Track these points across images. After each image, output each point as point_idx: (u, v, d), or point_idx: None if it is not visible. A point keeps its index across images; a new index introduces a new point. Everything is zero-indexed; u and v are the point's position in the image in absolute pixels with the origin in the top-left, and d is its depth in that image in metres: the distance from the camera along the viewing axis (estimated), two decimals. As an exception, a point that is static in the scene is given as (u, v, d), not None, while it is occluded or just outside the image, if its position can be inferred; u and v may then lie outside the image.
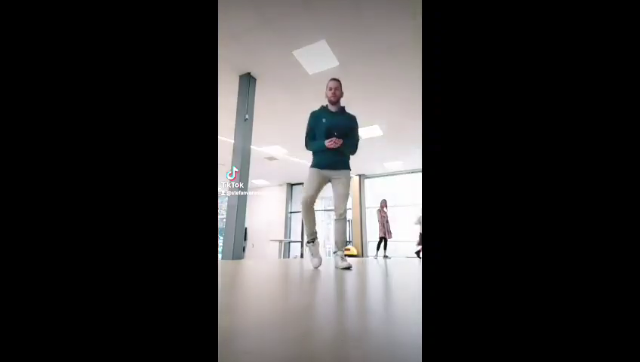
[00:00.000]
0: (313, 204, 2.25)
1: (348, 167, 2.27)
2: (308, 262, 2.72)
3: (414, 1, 2.73)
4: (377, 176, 8.80)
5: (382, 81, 4.06)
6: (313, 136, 2.28)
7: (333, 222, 2.27)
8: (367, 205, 8.71)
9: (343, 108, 2.34)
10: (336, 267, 2.11)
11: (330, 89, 2.26)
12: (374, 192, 8.63)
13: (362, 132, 5.54)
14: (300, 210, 2.26)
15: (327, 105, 2.31)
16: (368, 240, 8.45)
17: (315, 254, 2.25)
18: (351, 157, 2.31)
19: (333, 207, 2.28)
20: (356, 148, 2.32)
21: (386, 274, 1.90)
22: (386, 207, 6.19)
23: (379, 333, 0.54)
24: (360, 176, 8.71)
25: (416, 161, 7.46)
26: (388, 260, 4.58)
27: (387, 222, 6.09)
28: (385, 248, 6.02)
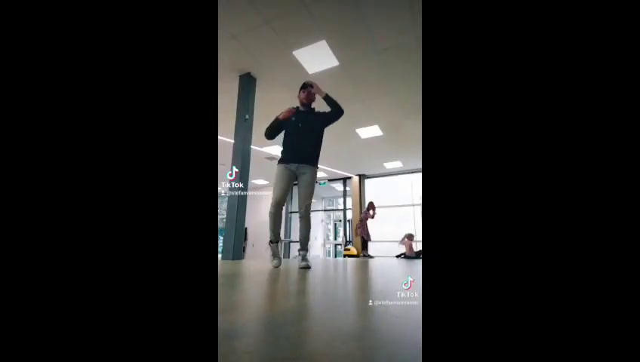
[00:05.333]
0: (282, 206, 2.16)
1: (313, 164, 2.21)
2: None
3: (414, 1, 2.72)
4: (377, 176, 8.79)
5: (382, 81, 4.05)
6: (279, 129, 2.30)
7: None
8: (367, 205, 8.72)
9: (313, 109, 2.36)
10: (299, 267, 2.02)
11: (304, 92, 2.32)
12: (374, 192, 8.61)
13: (362, 132, 5.54)
14: (269, 211, 2.14)
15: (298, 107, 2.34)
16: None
17: (275, 254, 2.19)
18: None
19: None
20: (336, 110, 2.30)
21: (386, 274, 1.90)
22: (373, 209, 6.12)
23: (379, 332, 0.54)
24: (360, 176, 8.70)
25: (416, 161, 7.45)
26: (371, 259, 4.71)
27: (366, 224, 6.20)
28: (365, 248, 6.32)
